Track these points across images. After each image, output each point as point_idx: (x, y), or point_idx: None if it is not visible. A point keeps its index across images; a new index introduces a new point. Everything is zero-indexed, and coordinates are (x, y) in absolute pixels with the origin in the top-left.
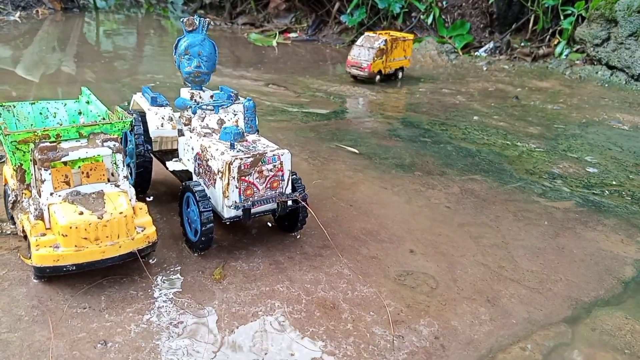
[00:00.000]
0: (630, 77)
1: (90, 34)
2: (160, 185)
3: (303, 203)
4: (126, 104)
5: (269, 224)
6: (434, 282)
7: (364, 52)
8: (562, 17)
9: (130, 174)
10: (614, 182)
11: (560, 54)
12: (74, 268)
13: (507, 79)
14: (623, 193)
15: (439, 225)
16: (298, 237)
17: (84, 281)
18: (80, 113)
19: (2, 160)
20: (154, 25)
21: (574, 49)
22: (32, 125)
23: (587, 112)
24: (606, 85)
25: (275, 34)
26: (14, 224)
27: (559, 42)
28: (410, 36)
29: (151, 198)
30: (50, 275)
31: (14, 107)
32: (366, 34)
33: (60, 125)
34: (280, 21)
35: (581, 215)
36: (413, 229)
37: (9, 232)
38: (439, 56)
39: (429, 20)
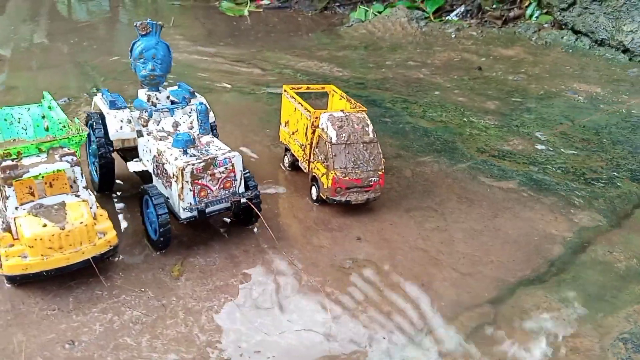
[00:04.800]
0: (594, 42)
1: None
2: (127, 180)
3: (251, 204)
4: (95, 91)
5: (227, 220)
6: (376, 268)
7: (362, 152)
8: None
9: (95, 171)
10: (559, 160)
11: (531, 15)
12: (43, 274)
13: (473, 47)
14: (565, 170)
15: (386, 211)
16: (255, 230)
17: (54, 284)
18: (43, 117)
19: None
20: None
21: (544, 11)
22: None
23: (546, 82)
24: (570, 51)
25: (247, 1)
26: None
27: (529, 4)
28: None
29: (118, 194)
30: (22, 282)
31: None
32: (327, 113)
33: (25, 130)
34: None
35: (521, 195)
36: (362, 217)
37: None
38: (408, 23)
39: None
